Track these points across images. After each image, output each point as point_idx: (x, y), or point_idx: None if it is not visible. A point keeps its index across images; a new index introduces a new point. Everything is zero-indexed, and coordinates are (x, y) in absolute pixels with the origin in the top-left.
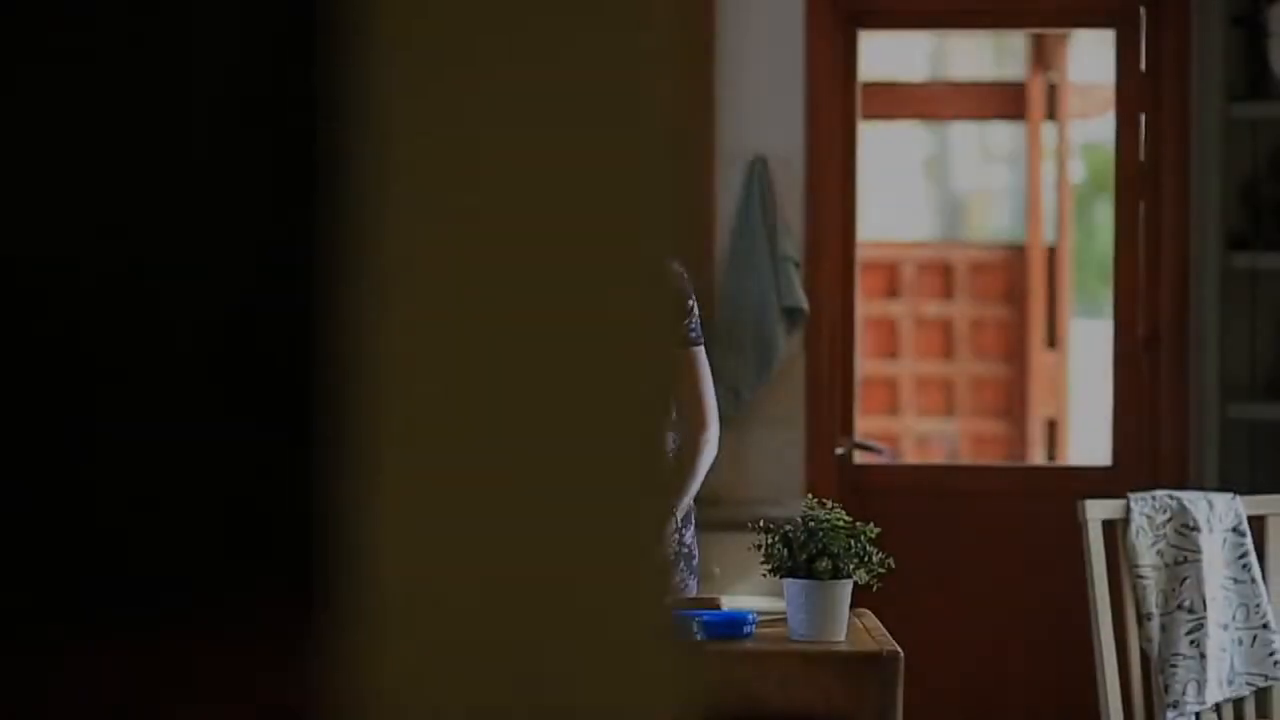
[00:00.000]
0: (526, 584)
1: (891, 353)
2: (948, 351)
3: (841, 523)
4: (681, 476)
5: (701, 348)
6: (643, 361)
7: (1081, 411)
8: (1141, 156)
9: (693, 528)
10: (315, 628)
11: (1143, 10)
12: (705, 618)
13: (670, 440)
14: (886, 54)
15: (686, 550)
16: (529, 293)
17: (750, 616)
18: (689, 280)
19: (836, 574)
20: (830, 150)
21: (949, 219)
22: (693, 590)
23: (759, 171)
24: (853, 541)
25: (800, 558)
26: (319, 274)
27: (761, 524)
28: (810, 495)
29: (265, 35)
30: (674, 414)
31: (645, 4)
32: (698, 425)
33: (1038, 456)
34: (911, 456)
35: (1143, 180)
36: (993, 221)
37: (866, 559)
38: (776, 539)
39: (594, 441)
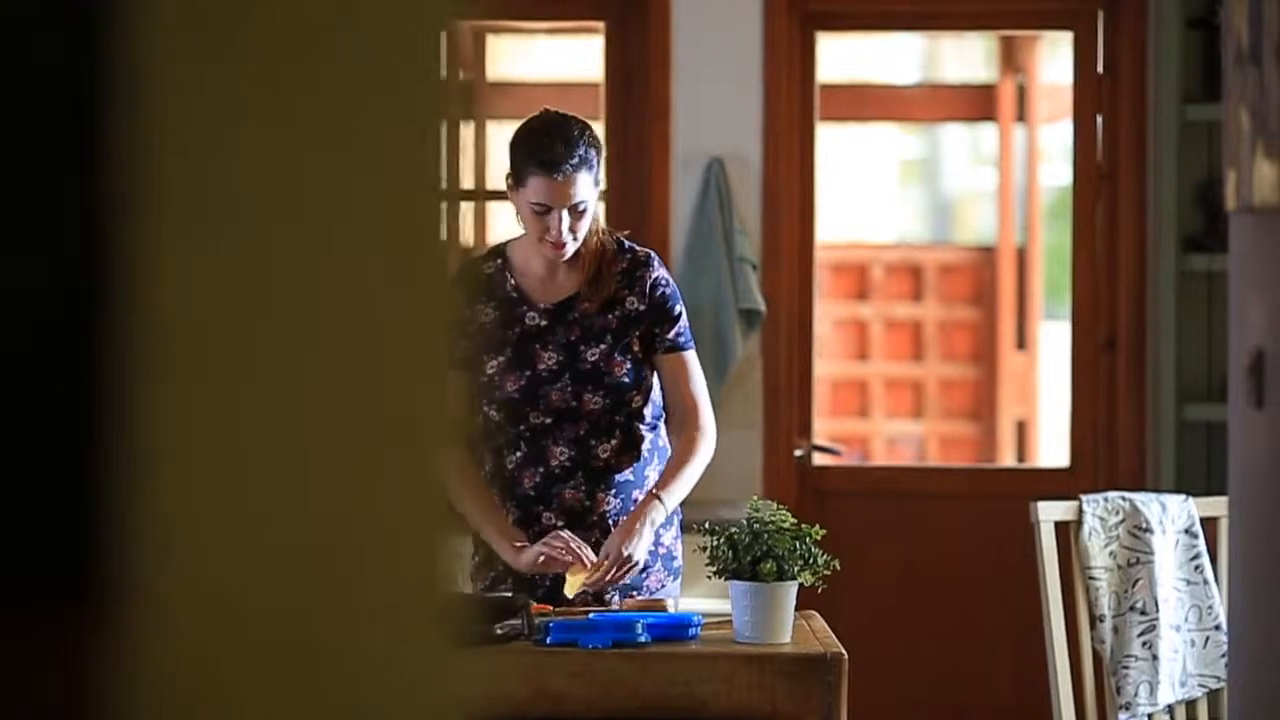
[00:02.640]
0: (305, 582)
1: (861, 354)
2: (917, 353)
3: (787, 524)
4: (673, 474)
5: (693, 351)
6: (421, 362)
7: (1051, 413)
8: (1099, 158)
9: (675, 529)
10: (92, 625)
11: (1100, 13)
12: (650, 620)
13: (650, 441)
14: (863, 56)
15: (665, 551)
16: (306, 284)
17: (695, 619)
18: (675, 286)
19: (781, 576)
20: (788, 152)
21: (937, 221)
22: (674, 592)
23: (716, 173)
24: (798, 543)
25: (745, 560)
26: (96, 265)
27: (707, 526)
28: (756, 497)
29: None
30: (668, 415)
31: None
32: (691, 427)
33: (1007, 458)
34: (881, 458)
35: (1100, 182)
36: (981, 224)
37: (811, 561)
38: (721, 541)
39: (374, 441)
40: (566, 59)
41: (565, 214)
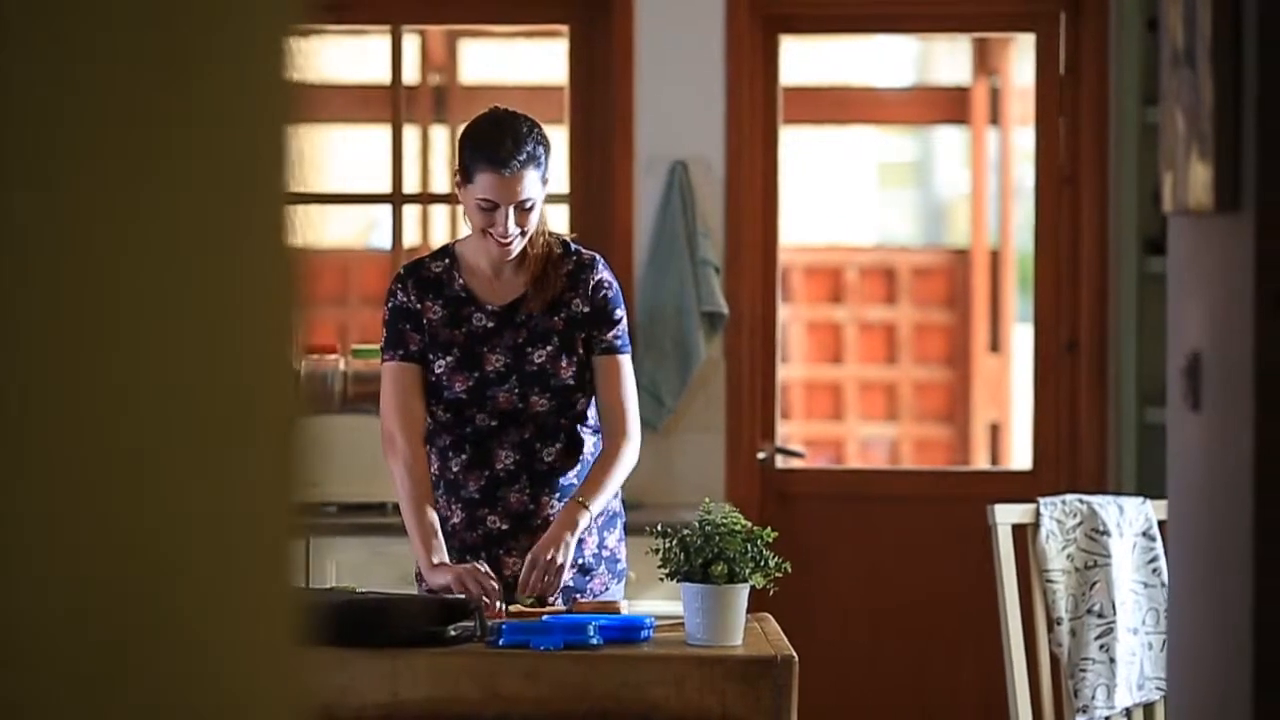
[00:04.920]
0: (138, 579)
1: (835, 357)
2: (891, 356)
3: (738, 527)
4: (597, 480)
5: (628, 356)
6: (266, 360)
7: (1024, 415)
8: (1061, 160)
9: (618, 532)
10: None
11: (1062, 14)
12: (603, 622)
13: (593, 444)
14: (842, 58)
15: (609, 554)
16: (141, 279)
17: (648, 621)
18: (618, 289)
19: (732, 578)
20: (751, 155)
21: (930, 224)
22: (616, 595)
23: (679, 176)
24: (749, 545)
25: (696, 562)
26: None
27: (659, 528)
28: (708, 499)
29: None
30: (598, 418)
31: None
32: (617, 432)
33: (981, 461)
34: (855, 461)
35: (1062, 184)
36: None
37: (763, 563)
38: (673, 543)
39: (211, 437)
40: (532, 63)
41: (512, 211)
